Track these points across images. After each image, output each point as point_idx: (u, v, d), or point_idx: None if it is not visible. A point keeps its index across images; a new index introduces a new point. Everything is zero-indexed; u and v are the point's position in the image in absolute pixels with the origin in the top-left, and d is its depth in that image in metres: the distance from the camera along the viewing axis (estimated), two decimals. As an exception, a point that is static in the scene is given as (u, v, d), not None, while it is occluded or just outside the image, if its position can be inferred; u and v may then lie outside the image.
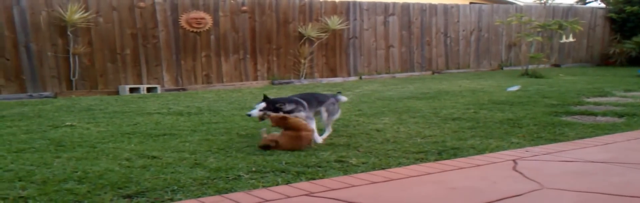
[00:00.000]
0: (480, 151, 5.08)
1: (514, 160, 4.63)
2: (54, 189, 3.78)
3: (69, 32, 10.64)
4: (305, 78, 13.45)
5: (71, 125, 6.67)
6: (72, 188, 3.82)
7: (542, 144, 5.42)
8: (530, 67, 14.31)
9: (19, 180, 4.04)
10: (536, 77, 13.43)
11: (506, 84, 11.55)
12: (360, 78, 14.23)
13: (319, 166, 4.52)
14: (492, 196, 3.61)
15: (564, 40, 15.17)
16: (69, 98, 10.14)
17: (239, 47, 12.66)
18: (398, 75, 14.82)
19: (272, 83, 12.71)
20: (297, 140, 5.17)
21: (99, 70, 11.13)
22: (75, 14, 10.49)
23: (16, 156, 4.87)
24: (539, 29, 15.25)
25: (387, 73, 14.85)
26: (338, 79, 13.82)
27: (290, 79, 13.15)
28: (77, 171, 4.29)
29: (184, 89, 11.78)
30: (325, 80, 13.61)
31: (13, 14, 10.29)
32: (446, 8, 15.85)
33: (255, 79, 12.84)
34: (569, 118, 7.03)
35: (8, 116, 7.54)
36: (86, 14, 10.70)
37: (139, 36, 11.50)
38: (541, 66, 14.92)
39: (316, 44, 13.48)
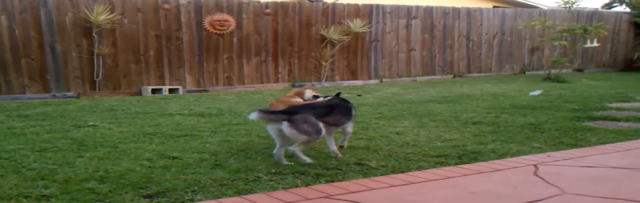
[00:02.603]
0: (501, 156, 5.05)
1: (535, 165, 4.60)
2: (76, 188, 3.83)
3: (94, 33, 10.76)
4: (325, 81, 13.47)
5: (94, 125, 6.75)
6: (94, 187, 3.86)
7: (563, 149, 5.37)
8: (552, 71, 14.19)
9: (42, 179, 4.09)
10: (558, 81, 13.32)
11: (528, 88, 11.46)
12: (381, 80, 14.22)
13: (339, 169, 4.53)
14: (512, 201, 3.59)
15: (588, 44, 15.03)
16: (92, 98, 10.25)
17: (261, 49, 12.72)
18: (419, 78, 14.79)
19: (293, 85, 12.74)
20: None
21: (122, 71, 11.24)
22: (101, 15, 10.61)
23: (39, 156, 4.94)
24: (563, 34, 15.13)
25: (408, 76, 14.82)
26: (358, 82, 13.83)
27: (311, 82, 13.17)
28: (98, 171, 4.34)
29: (205, 91, 11.86)
30: (345, 83, 13.62)
31: (40, 14, 10.43)
32: (469, 11, 15.79)
33: (276, 81, 12.89)
34: (591, 123, 6.97)
35: (32, 115, 7.64)
36: (111, 15, 10.82)
37: (163, 37, 11.60)
38: (564, 70, 14.80)
39: (338, 46, 13.50)
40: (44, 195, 3.68)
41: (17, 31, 10.24)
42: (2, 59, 10.17)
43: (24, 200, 3.58)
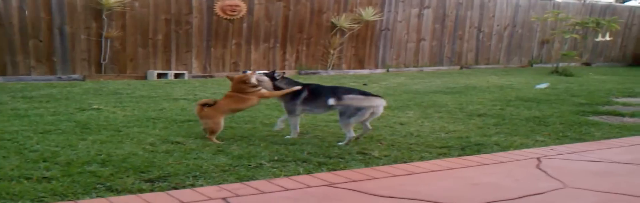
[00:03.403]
0: (505, 148, 5.04)
1: (538, 158, 4.59)
2: (78, 171, 3.84)
3: (103, 16, 10.72)
4: (332, 69, 13.43)
5: (98, 108, 6.75)
6: (95, 170, 3.87)
7: (567, 143, 5.36)
8: (560, 65, 14.12)
9: (44, 161, 4.10)
10: (566, 75, 13.26)
11: (535, 81, 11.42)
12: (388, 70, 14.17)
13: (341, 158, 4.53)
14: (513, 193, 3.59)
15: (599, 38, 14.93)
16: (97, 81, 10.24)
17: (270, 35, 12.66)
18: (426, 69, 14.73)
19: (299, 73, 12.70)
20: (239, 102, 5.23)
21: (130, 55, 11.22)
22: (112, -3, 10.57)
23: (42, 137, 4.95)
24: (575, 27, 15.02)
25: (415, 67, 14.76)
26: (365, 71, 13.77)
27: (317, 70, 13.13)
28: (101, 154, 4.35)
29: (211, 77, 11.83)
30: (352, 72, 13.56)
31: (50, -4, 10.41)
32: (483, 2, 15.66)
33: (283, 68, 12.84)
34: (596, 118, 6.94)
35: (36, 97, 7.65)
36: (123, -2, 10.79)
37: (173, 21, 11.55)
38: (572, 64, 14.72)
39: (347, 35, 13.43)
40: (45, 177, 3.68)
41: (26, 12, 10.20)
42: (10, 40, 10.15)
43: (25, 181, 3.58)
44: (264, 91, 5.31)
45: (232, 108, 5.28)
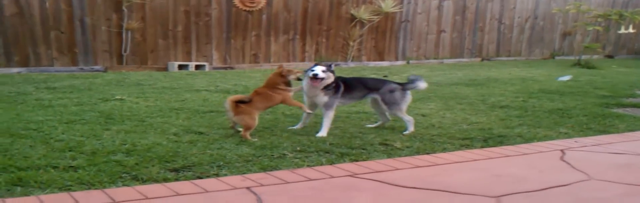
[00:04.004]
0: (528, 140, 5.02)
1: (561, 150, 4.56)
2: (103, 160, 3.88)
3: (124, 7, 10.77)
4: (352, 61, 13.41)
5: (121, 99, 6.80)
6: (121, 160, 3.91)
7: (591, 135, 5.32)
8: (583, 57, 13.99)
9: (69, 150, 4.15)
10: (588, 67, 13.13)
11: (557, 73, 11.32)
12: (408, 62, 14.12)
13: (363, 149, 4.53)
14: (537, 185, 3.57)
15: (622, 31, 14.75)
16: (119, 72, 10.32)
17: (289, 27, 12.66)
18: (446, 61, 14.66)
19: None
20: (269, 99, 5.05)
21: (150, 46, 11.27)
22: (132, -11, 10.62)
23: (67, 127, 5.00)
24: (598, 19, 14.85)
25: (435, 58, 14.70)
26: (385, 63, 13.75)
27: (337, 62, 13.11)
28: (125, 144, 4.39)
29: (231, 68, 11.87)
30: (372, 63, 13.54)
31: (70, -13, 10.47)
32: (503, -6, 15.57)
33: (303, 60, 12.85)
34: (619, 110, 6.88)
35: (60, 88, 7.72)
36: (142, -10, 10.83)
37: (192, 13, 11.58)
38: (594, 56, 14.57)
39: (367, 26, 13.39)
40: (72, 166, 3.72)
41: (47, 4, 10.27)
42: (31, 31, 10.23)
43: (52, 170, 3.63)
44: (289, 94, 5.14)
45: (266, 105, 5.11)
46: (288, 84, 5.14)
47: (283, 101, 5.12)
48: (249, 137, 4.77)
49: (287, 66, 5.83)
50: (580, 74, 11.23)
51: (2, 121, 5.17)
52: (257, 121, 4.92)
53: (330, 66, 5.18)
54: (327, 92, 5.11)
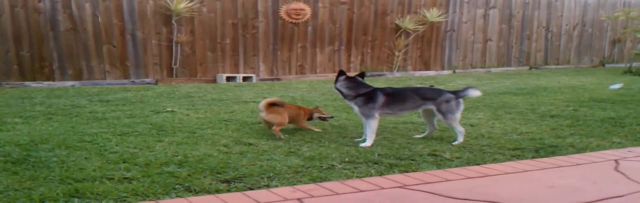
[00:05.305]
0: (580, 150, 4.92)
1: (615, 160, 4.47)
2: (156, 172, 3.95)
3: (173, 21, 11.01)
4: (397, 71, 13.39)
5: (172, 111, 6.93)
6: (173, 171, 3.98)
7: (646, 145, 5.20)
8: (634, 64, 13.68)
9: (123, 162, 4.24)
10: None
11: (608, 81, 11.08)
12: (454, 71, 14.03)
13: (412, 159, 4.51)
14: (591, 196, 3.50)
15: (673, 36, 14.41)
16: (169, 85, 10.51)
17: (334, 38, 12.74)
18: (493, 70, 14.52)
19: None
20: (298, 117, 5.70)
21: (199, 58, 11.47)
22: (181, 3, 10.82)
23: (120, 139, 5.11)
24: (648, 25, 14.55)
25: (482, 67, 14.57)
26: (431, 73, 13.68)
27: (382, 72, 13.13)
28: (177, 155, 4.46)
29: (278, 79, 11.98)
30: (418, 73, 13.50)
31: (122, 2, 10.72)
32: (550, 2, 15.36)
33: (348, 70, 12.87)
34: (676, 119, 6.70)
35: (113, 100, 7.91)
36: (191, 4, 11.03)
37: (239, 25, 11.76)
38: (646, 64, 14.24)
39: (412, 36, 13.38)
40: (126, 178, 3.81)
41: (100, 18, 10.57)
42: (85, 45, 10.53)
43: (107, 181, 3.71)
44: (304, 121, 5.79)
45: (290, 115, 5.56)
46: (310, 118, 5.81)
47: (297, 123, 5.74)
48: (278, 132, 5.27)
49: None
50: (632, 82, 10.97)
51: (58, 134, 5.32)
52: (287, 120, 5.44)
53: (347, 75, 5.59)
54: (356, 101, 5.25)
